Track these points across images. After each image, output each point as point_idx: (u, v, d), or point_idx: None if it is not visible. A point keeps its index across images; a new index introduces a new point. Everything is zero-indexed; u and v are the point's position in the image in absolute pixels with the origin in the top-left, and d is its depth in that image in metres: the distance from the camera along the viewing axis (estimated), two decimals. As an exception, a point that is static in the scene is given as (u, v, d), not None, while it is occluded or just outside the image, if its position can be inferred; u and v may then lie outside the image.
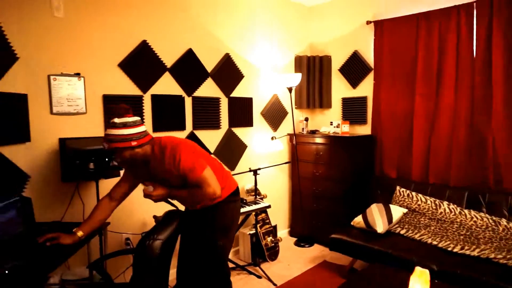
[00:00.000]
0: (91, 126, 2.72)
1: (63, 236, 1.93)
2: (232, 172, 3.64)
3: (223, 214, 2.12)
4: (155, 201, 1.99)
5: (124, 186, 2.11)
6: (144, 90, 3.03)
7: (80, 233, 1.97)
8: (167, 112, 3.18)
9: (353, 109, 4.26)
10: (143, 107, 3.02)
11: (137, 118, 1.90)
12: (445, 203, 3.32)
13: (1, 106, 2.18)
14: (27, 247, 1.88)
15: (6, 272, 1.58)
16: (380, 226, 3.09)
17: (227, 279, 2.26)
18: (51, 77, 2.51)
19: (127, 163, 1.92)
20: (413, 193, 3.52)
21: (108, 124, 1.85)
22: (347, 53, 4.23)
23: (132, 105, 2.93)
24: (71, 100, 2.61)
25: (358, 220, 3.30)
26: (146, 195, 1.96)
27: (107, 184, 2.72)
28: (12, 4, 2.28)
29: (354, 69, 4.18)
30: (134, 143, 1.82)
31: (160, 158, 1.92)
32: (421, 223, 3.24)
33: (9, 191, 2.18)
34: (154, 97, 3.08)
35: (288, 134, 4.35)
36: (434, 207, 3.34)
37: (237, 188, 2.24)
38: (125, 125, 1.82)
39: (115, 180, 1.84)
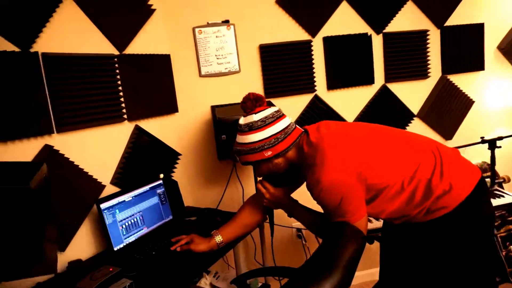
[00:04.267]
0: (246, 88, 2.11)
1: (196, 241, 1.46)
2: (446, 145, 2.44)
3: (466, 242, 1.14)
4: (265, 204, 1.39)
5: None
6: (313, 33, 2.20)
7: (218, 238, 1.45)
8: (346, 60, 2.27)
9: None
10: (312, 56, 2.21)
11: (269, 112, 1.23)
12: None
13: (144, 68, 1.80)
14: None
15: (154, 253, 1.47)
16: None
17: None
18: (196, 30, 2.01)
19: (270, 176, 1.33)
20: None
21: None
22: None
23: (298, 54, 2.19)
24: (220, 57, 2.06)
25: None
26: (259, 190, 1.38)
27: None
28: None
29: None
30: (268, 153, 1.21)
31: (309, 168, 1.17)
32: None
33: (157, 173, 1.84)
34: (326, 41, 2.22)
35: (550, 78, 2.66)
36: None
37: (481, 181, 1.16)
38: (251, 128, 1.21)
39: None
